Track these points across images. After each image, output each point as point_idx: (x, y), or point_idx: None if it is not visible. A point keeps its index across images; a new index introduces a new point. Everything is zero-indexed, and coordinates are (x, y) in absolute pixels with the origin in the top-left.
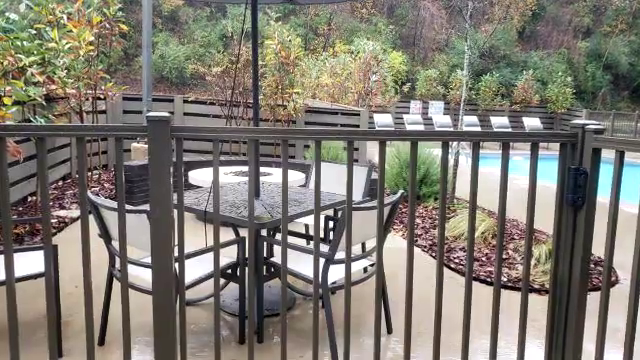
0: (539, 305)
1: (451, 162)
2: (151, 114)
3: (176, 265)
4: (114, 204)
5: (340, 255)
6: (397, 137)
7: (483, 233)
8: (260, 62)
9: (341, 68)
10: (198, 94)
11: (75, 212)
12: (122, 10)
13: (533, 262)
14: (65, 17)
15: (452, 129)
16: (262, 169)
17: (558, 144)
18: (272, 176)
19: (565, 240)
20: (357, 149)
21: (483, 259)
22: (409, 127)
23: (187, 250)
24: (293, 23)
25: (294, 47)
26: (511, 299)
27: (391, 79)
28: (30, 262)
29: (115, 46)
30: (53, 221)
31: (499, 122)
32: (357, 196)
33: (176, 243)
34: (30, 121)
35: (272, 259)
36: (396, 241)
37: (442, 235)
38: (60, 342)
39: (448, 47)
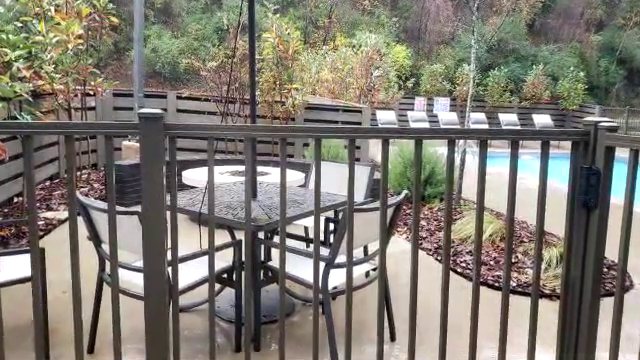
0: (550, 311)
1: (457, 161)
2: (143, 111)
3: (169, 269)
4: (104, 205)
5: (341, 259)
6: (401, 135)
7: (491, 236)
8: (257, 56)
9: (342, 63)
10: (192, 90)
11: (63, 213)
12: (112, 2)
13: (543, 266)
14: (53, 9)
15: (458, 127)
16: (259, 168)
17: (569, 142)
18: (270, 176)
19: (577, 243)
20: (359, 148)
21: (491, 263)
22: (413, 125)
23: (181, 253)
24: (292, 15)
25: (293, 41)
26: (520, 305)
27: (394, 74)
28: (16, 266)
29: (105, 39)
30: (40, 223)
31: (508, 119)
32: (359, 197)
33: (169, 246)
34: (16, 118)
35: (270, 263)
36: (400, 244)
37: (448, 238)
38: (48, 349)
39: (454, 41)
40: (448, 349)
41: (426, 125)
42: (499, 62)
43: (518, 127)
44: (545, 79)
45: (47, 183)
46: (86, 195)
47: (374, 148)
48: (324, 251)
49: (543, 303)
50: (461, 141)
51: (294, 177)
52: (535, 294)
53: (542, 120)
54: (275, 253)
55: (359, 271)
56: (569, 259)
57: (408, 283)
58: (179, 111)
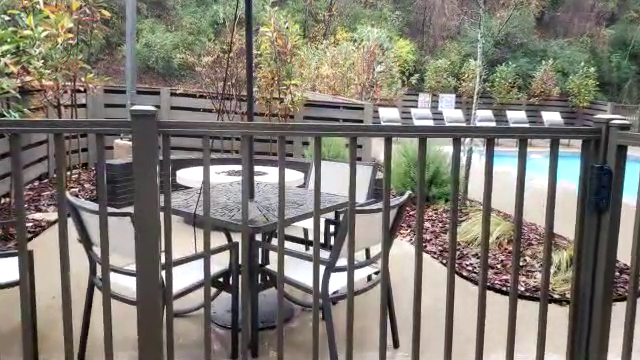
0: (559, 317)
1: (463, 160)
2: (135, 108)
3: (163, 273)
4: (95, 206)
5: (342, 262)
6: (404, 133)
7: (498, 238)
8: (255, 51)
9: (343, 58)
10: (187, 86)
11: (52, 215)
12: None
13: (553, 270)
14: (42, 2)
15: (464, 124)
16: (257, 168)
17: (580, 141)
18: (268, 176)
19: (587, 246)
20: (360, 146)
21: (498, 266)
22: (417, 122)
23: (175, 257)
24: (291, 8)
25: (292, 35)
26: (529, 310)
27: (397, 70)
28: (3, 270)
29: (96, 34)
30: (28, 225)
31: (516, 117)
32: (361, 197)
33: (163, 249)
34: (3, 116)
35: (268, 266)
36: (403, 247)
37: (453, 240)
38: (37, 356)
39: (460, 35)
40: (454, 356)
41: (430, 123)
42: (507, 57)
43: (526, 125)
44: (554, 75)
45: (36, 183)
46: (76, 196)
47: (376, 147)
48: (324, 254)
49: (552, 308)
50: (467, 139)
51: (293, 177)
52: (544, 299)
53: (551, 118)
54: (273, 256)
55: (361, 275)
56: (579, 262)
57: (412, 287)
58: (173, 108)
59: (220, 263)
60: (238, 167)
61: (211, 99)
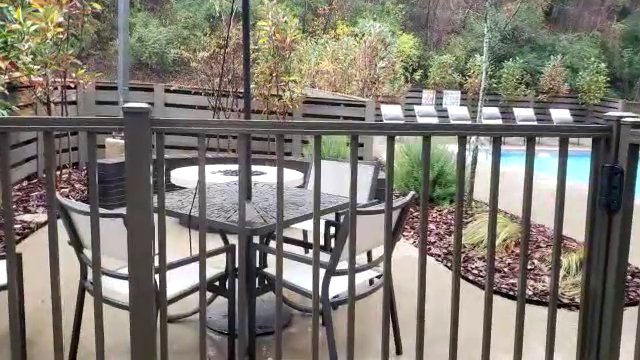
0: (569, 322)
1: (468, 160)
2: (128, 105)
3: (156, 276)
4: (86, 207)
5: (343, 265)
6: (407, 131)
7: (505, 240)
8: (252, 46)
9: (344, 53)
10: (181, 82)
11: (42, 216)
12: None
13: (562, 273)
14: None
15: (470, 122)
16: (254, 167)
17: (590, 139)
18: (266, 176)
19: (598, 248)
20: (362, 145)
21: (505, 270)
22: (421, 120)
23: (169, 259)
24: (290, 2)
25: (291, 29)
26: (537, 315)
27: (400, 65)
28: None
29: (87, 28)
30: (17, 226)
31: (523, 114)
32: (362, 198)
33: (157, 251)
34: None
35: (266, 270)
36: (406, 249)
37: (459, 242)
38: None
39: (465, 29)
40: None
41: (435, 120)
42: (514, 52)
43: (534, 123)
44: (563, 71)
45: (24, 183)
46: (67, 196)
47: (378, 146)
48: (324, 257)
49: (561, 313)
50: (473, 138)
51: (292, 177)
52: (553, 303)
53: (560, 115)
54: (271, 259)
55: (362, 278)
56: (589, 266)
57: (415, 291)
58: (167, 105)
59: (216, 266)
60: (235, 166)
61: (207, 96)
